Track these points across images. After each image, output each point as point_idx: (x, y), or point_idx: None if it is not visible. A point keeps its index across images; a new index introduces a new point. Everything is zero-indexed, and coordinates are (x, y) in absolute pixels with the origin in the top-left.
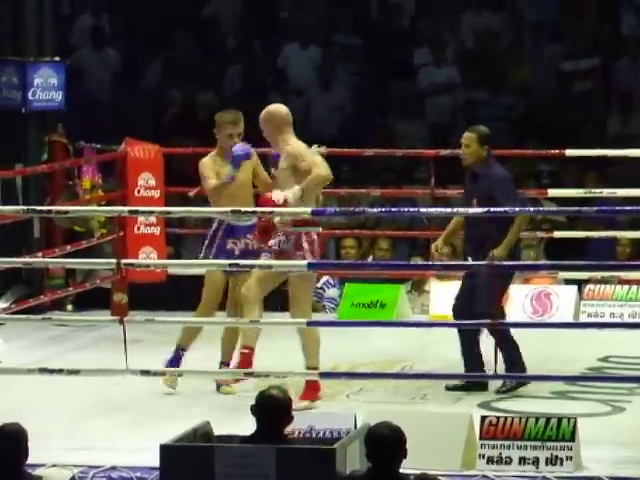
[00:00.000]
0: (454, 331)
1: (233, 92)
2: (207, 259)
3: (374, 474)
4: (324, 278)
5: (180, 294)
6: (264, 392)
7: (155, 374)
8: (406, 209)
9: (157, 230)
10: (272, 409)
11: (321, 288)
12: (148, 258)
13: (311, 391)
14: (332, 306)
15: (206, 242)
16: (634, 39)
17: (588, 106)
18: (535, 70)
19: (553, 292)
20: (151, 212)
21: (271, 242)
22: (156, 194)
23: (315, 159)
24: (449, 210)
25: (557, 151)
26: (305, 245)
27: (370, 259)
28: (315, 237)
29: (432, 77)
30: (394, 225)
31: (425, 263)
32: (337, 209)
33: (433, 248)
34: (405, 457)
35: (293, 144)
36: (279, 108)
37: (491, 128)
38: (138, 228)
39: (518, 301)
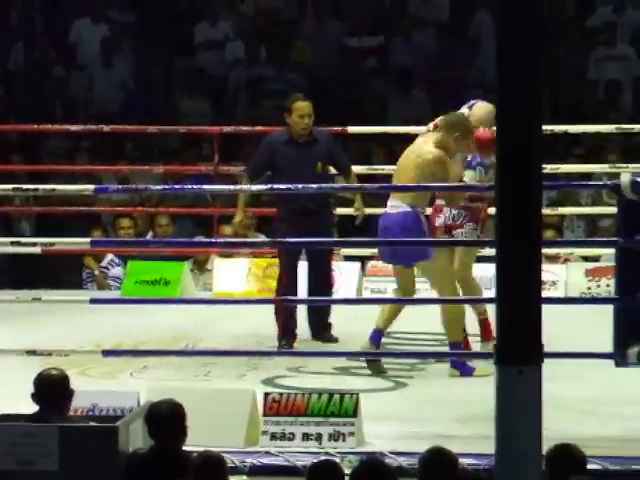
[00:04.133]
0: (237, 308)
1: (18, 68)
2: None
3: (157, 452)
4: (108, 257)
5: None
6: (41, 373)
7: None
8: (190, 186)
9: None
10: (50, 388)
11: (105, 267)
12: None
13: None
14: (117, 285)
15: None
16: (413, 17)
17: (370, 83)
18: (317, 46)
19: (336, 268)
20: None
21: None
22: None
23: None
24: (232, 187)
25: (339, 128)
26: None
27: (149, 236)
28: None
29: (216, 53)
30: (177, 203)
31: (208, 240)
32: (120, 186)
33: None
34: (186, 434)
35: None
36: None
37: (276, 105)
38: None
39: (302, 277)
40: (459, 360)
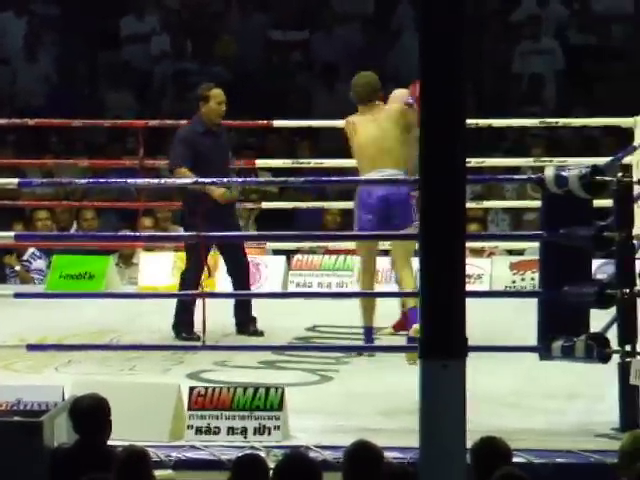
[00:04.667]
0: (163, 302)
1: None
2: None
3: (81, 446)
4: (30, 250)
5: None
6: None
7: None
8: (114, 180)
9: None
10: None
11: (27, 260)
12: None
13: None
14: (40, 277)
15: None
16: (340, 10)
17: (294, 77)
18: (242, 39)
19: (262, 262)
20: None
21: None
22: None
23: None
24: (156, 181)
25: (265, 122)
26: None
27: (73, 230)
28: None
29: (141, 47)
30: (102, 196)
31: (133, 234)
32: (44, 180)
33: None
34: (110, 428)
35: None
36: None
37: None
38: None
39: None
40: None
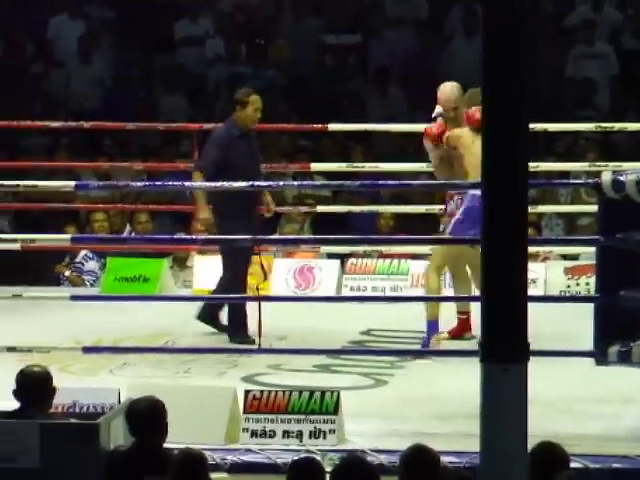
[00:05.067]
0: None
1: None
2: None
3: (138, 449)
4: (82, 252)
5: None
6: (24, 369)
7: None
8: (170, 183)
9: None
10: (32, 385)
11: (80, 262)
12: None
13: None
14: (92, 279)
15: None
16: (394, 15)
17: (347, 81)
18: (296, 43)
19: (316, 266)
20: None
21: None
22: None
23: None
24: (211, 184)
25: (320, 125)
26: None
27: (126, 233)
28: None
29: (195, 50)
30: (156, 199)
31: (190, 237)
32: (101, 183)
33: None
34: (166, 431)
35: None
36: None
37: None
38: None
39: (281, 275)
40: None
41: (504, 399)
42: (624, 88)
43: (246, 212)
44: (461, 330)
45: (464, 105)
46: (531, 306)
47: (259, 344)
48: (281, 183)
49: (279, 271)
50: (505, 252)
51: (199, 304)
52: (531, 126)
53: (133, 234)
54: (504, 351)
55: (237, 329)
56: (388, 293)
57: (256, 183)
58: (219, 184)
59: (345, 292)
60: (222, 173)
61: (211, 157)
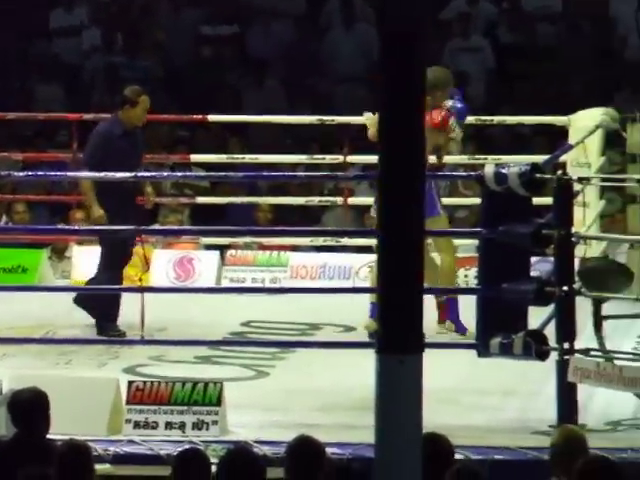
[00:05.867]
0: None
1: None
2: None
3: (21, 440)
4: None
5: None
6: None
7: None
8: (52, 173)
9: None
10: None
11: None
12: None
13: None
14: None
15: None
16: (267, 6)
17: (225, 72)
18: (173, 34)
19: (195, 257)
20: None
21: None
22: None
23: None
24: (91, 174)
25: (200, 116)
26: None
27: (2, 223)
28: None
29: (72, 40)
30: (34, 190)
31: (71, 228)
32: None
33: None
34: (49, 422)
35: None
36: None
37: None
38: None
39: (161, 266)
40: (455, 316)
41: (400, 390)
42: (499, 81)
43: (130, 208)
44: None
45: (442, 90)
46: None
47: (142, 335)
48: (165, 174)
49: (159, 262)
50: (400, 244)
51: None
52: None
53: (10, 224)
54: (399, 342)
55: (104, 325)
56: (268, 284)
57: (139, 174)
58: (102, 174)
59: (225, 283)
60: (102, 170)
61: (90, 150)
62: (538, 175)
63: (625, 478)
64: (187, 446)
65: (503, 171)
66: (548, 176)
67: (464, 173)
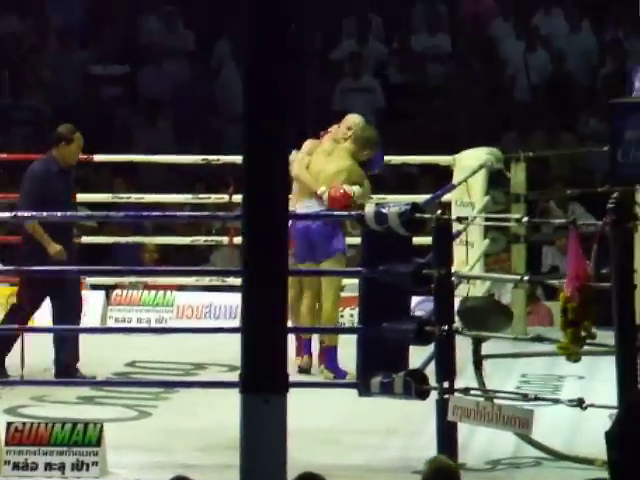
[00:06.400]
0: None
1: None
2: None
3: None
4: None
5: None
6: None
7: None
8: None
9: None
10: None
11: None
12: None
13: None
14: None
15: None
16: (157, 46)
17: (116, 111)
18: (62, 73)
19: (83, 297)
20: None
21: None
22: None
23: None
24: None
25: (85, 156)
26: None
27: None
28: None
29: None
30: None
31: None
32: None
33: None
34: None
35: None
36: None
37: (18, 133)
38: None
39: (47, 305)
40: (334, 365)
41: (264, 430)
42: (388, 121)
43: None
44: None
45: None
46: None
47: (22, 375)
48: (44, 214)
49: (45, 302)
50: (264, 284)
51: None
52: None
53: None
54: (264, 382)
55: None
56: (153, 324)
57: (14, 213)
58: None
59: (110, 323)
60: (40, 209)
61: (30, 193)
62: (418, 215)
63: None
64: None
65: (383, 211)
66: (428, 216)
67: (345, 213)
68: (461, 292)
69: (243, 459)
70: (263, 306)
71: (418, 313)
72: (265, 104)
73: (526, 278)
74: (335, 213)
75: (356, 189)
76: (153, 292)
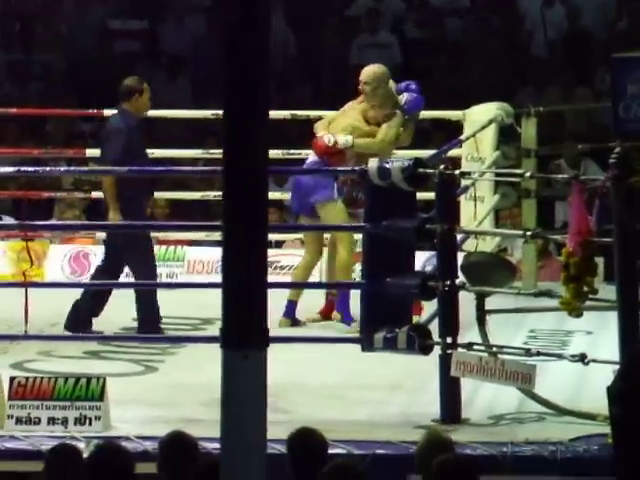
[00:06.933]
0: None
1: None
2: None
3: None
4: None
5: None
6: None
7: None
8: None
9: None
10: None
11: None
12: None
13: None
14: None
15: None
16: (177, 1)
17: (133, 67)
18: (78, 28)
19: (91, 252)
20: None
21: None
22: None
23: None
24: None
25: (96, 111)
26: None
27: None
28: None
29: None
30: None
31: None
32: None
33: None
34: None
35: None
36: None
37: (31, 88)
38: None
39: (57, 261)
40: (345, 307)
41: (243, 385)
42: (405, 77)
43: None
44: (330, 310)
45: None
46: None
47: (25, 330)
48: (61, 169)
49: (54, 257)
50: (242, 238)
51: None
52: (307, 113)
53: None
54: (243, 337)
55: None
56: (164, 279)
57: (22, 168)
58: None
59: (120, 278)
60: (128, 164)
61: (116, 149)
62: (421, 170)
63: (504, 471)
64: (65, 441)
65: (386, 166)
66: (431, 171)
67: (348, 168)
68: (469, 247)
69: (224, 415)
70: (242, 260)
71: (428, 268)
72: (244, 55)
73: (529, 233)
74: (338, 168)
75: (343, 138)
76: (164, 247)
